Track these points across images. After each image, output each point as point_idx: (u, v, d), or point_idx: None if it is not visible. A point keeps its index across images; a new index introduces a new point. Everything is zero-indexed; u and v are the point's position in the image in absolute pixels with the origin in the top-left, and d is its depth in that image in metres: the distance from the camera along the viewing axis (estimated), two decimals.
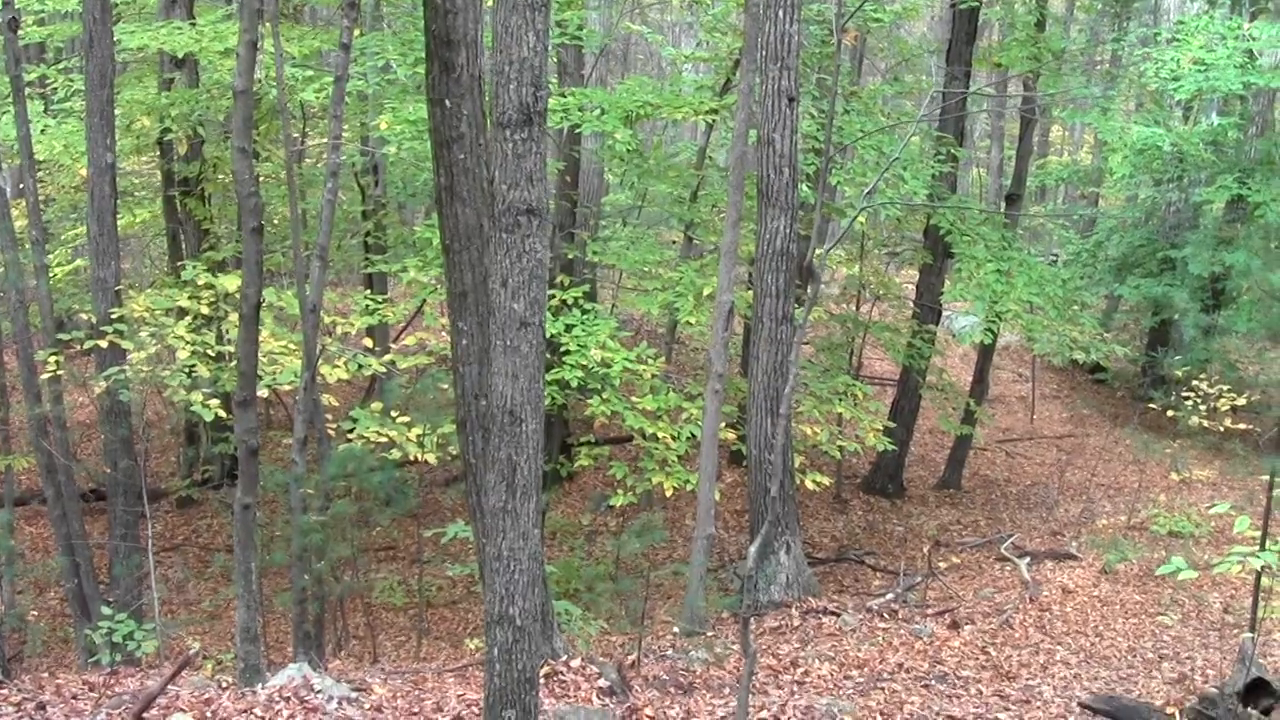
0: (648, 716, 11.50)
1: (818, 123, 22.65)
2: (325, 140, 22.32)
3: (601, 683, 12.22)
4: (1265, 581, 14.22)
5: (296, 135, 24.94)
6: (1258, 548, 11.66)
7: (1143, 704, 9.14)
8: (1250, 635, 10.56)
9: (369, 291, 23.07)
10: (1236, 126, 31.30)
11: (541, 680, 12.13)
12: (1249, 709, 8.00)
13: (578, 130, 22.21)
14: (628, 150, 22.31)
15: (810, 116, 23.03)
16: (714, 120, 23.92)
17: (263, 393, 17.58)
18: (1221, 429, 22.16)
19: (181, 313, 18.80)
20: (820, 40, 24.29)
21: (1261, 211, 28.29)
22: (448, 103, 11.32)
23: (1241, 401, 22.68)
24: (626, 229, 28.29)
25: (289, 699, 10.55)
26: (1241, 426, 22.98)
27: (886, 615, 18.03)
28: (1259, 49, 27.69)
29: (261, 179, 22.53)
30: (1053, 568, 20.81)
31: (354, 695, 11.03)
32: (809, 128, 22.96)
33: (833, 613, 17.93)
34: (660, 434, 19.25)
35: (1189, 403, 23.17)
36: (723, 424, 18.07)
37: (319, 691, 10.80)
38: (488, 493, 7.61)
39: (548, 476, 22.25)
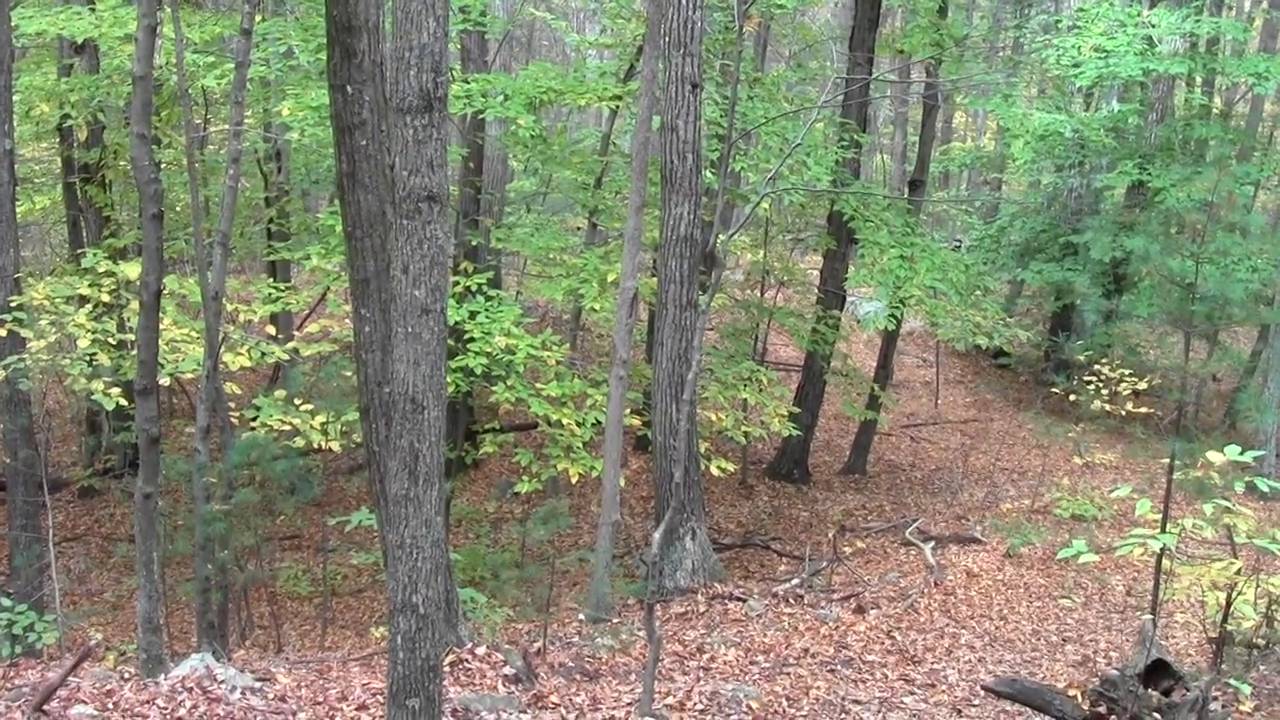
0: (553, 703, 11.48)
1: (721, 109, 22.67)
2: (228, 127, 22.16)
3: (507, 670, 12.19)
4: (1165, 563, 14.39)
5: (199, 122, 24.71)
6: (1158, 530, 11.80)
7: (1045, 686, 9.21)
8: (1150, 617, 10.65)
9: (272, 279, 22.90)
10: (1137, 113, 31.65)
11: (447, 668, 12.12)
12: (1149, 690, 8.06)
13: (481, 116, 22.11)
14: (531, 136, 22.23)
15: (714, 103, 23.06)
16: (618, 107, 23.89)
17: (165, 381, 17.41)
18: (1123, 413, 22.36)
19: (82, 301, 18.56)
20: (724, 27, 24.30)
21: (1162, 197, 28.59)
22: (349, 89, 11.23)
23: (1142, 386, 22.87)
24: (531, 215, 28.22)
25: (191, 689, 10.45)
26: (1143, 410, 23.19)
27: (792, 600, 18.06)
28: (1158, 35, 28.02)
29: (163, 166, 22.38)
30: (957, 552, 20.93)
31: (258, 685, 10.95)
32: (713, 114, 22.98)
33: (739, 598, 17.94)
34: (565, 420, 19.22)
35: (1090, 387, 23.36)
36: (628, 410, 18.04)
37: (222, 681, 10.71)
38: (390, 480, 7.55)
39: (452, 464, 22.20)
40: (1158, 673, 8.23)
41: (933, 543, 21.42)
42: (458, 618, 12.83)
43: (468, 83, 21.14)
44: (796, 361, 30.79)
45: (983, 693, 12.24)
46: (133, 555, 17.03)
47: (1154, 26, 27.56)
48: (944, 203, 41.67)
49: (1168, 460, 13.16)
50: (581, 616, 16.79)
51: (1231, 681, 11.64)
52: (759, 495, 26.33)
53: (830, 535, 22.72)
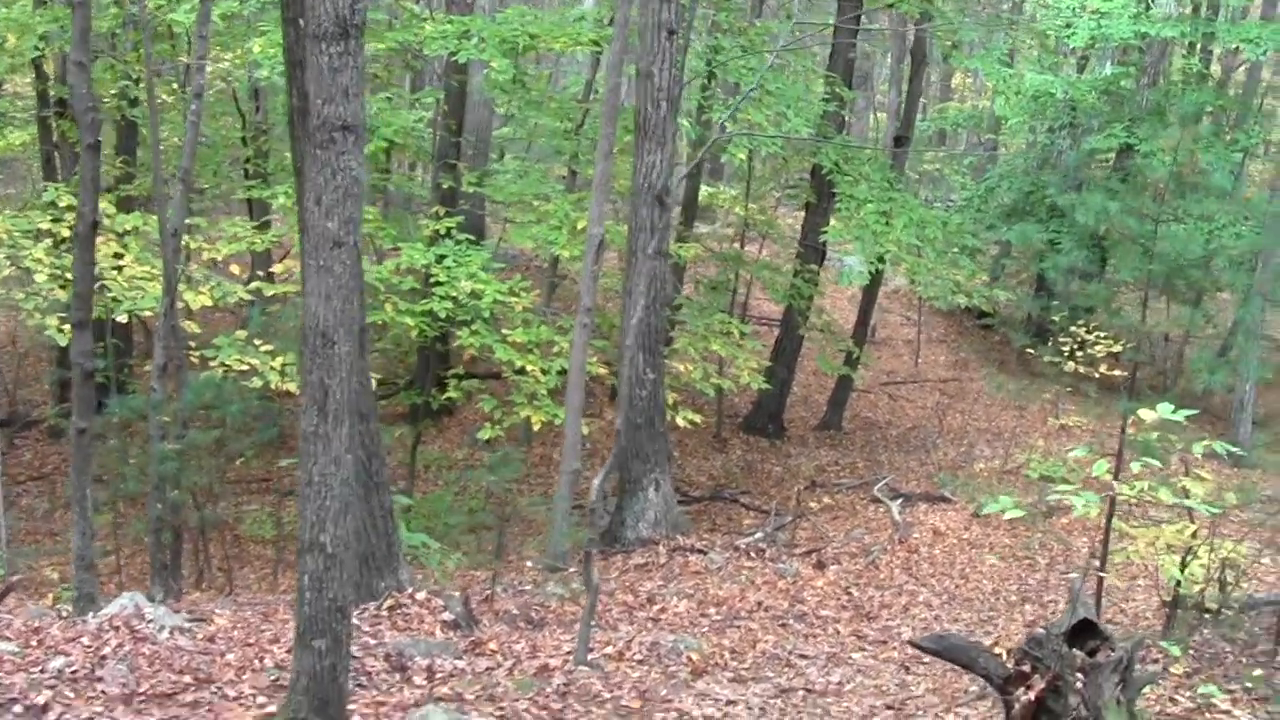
0: (490, 650, 11.38)
1: (703, 58, 22.49)
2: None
3: (446, 616, 12.09)
4: (1121, 525, 14.31)
5: (172, 61, 24.44)
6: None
7: (972, 644, 9.06)
8: (1077, 576, 10.56)
9: (241, 219, 22.70)
10: (1129, 76, 31.44)
11: (385, 613, 12.05)
12: (1074, 650, 7.94)
13: (455, 58, 21.85)
14: (510, 81, 22.05)
15: (696, 53, 22.86)
16: (601, 53, 23.68)
17: (122, 317, 17.30)
18: (1096, 375, 22.23)
19: (46, 236, 18.40)
20: None
21: (1149, 161, 28.40)
22: (300, 22, 11.04)
23: (1117, 348, 22.72)
24: (514, 162, 27.98)
25: (119, 628, 10.33)
26: (1118, 373, 23.07)
27: (754, 554, 17.99)
28: None
29: (139, 102, 22.10)
30: (926, 510, 20.89)
31: (188, 625, 10.84)
32: (697, 65, 22.80)
33: (700, 551, 17.88)
34: (529, 367, 19.09)
35: (1065, 349, 23.22)
36: (595, 358, 17.93)
37: (150, 621, 10.59)
38: (300, 416, 7.41)
39: (418, 409, 22.09)
40: (1085, 633, 8.10)
41: (901, 500, 21.35)
42: (399, 562, 12.73)
43: (446, 24, 20.95)
44: (779, 316, 30.64)
45: (911, 649, 12.15)
46: (101, 496, 17.06)
47: None
48: (929, 161, 41.45)
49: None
50: (529, 564, 16.73)
51: (1163, 643, 11.57)
52: (732, 449, 26.24)
53: (797, 490, 22.59)
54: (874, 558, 17.88)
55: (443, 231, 20.00)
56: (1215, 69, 39.00)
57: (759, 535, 19.17)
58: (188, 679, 9.46)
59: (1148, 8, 28.27)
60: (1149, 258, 14.71)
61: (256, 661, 10.07)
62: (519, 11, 22.12)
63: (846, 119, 28.24)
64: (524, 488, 21.07)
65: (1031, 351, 26.30)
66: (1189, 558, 12.77)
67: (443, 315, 18.74)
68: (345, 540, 7.49)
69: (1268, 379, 26.66)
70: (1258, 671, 11.10)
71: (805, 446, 26.74)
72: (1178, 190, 21.91)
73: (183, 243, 17.58)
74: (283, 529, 19.36)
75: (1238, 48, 31.17)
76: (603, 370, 20.24)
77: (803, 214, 27.61)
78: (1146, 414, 10.23)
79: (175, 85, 24.45)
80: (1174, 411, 10.03)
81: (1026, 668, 8.03)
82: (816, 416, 28.46)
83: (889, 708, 10.72)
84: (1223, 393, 28.49)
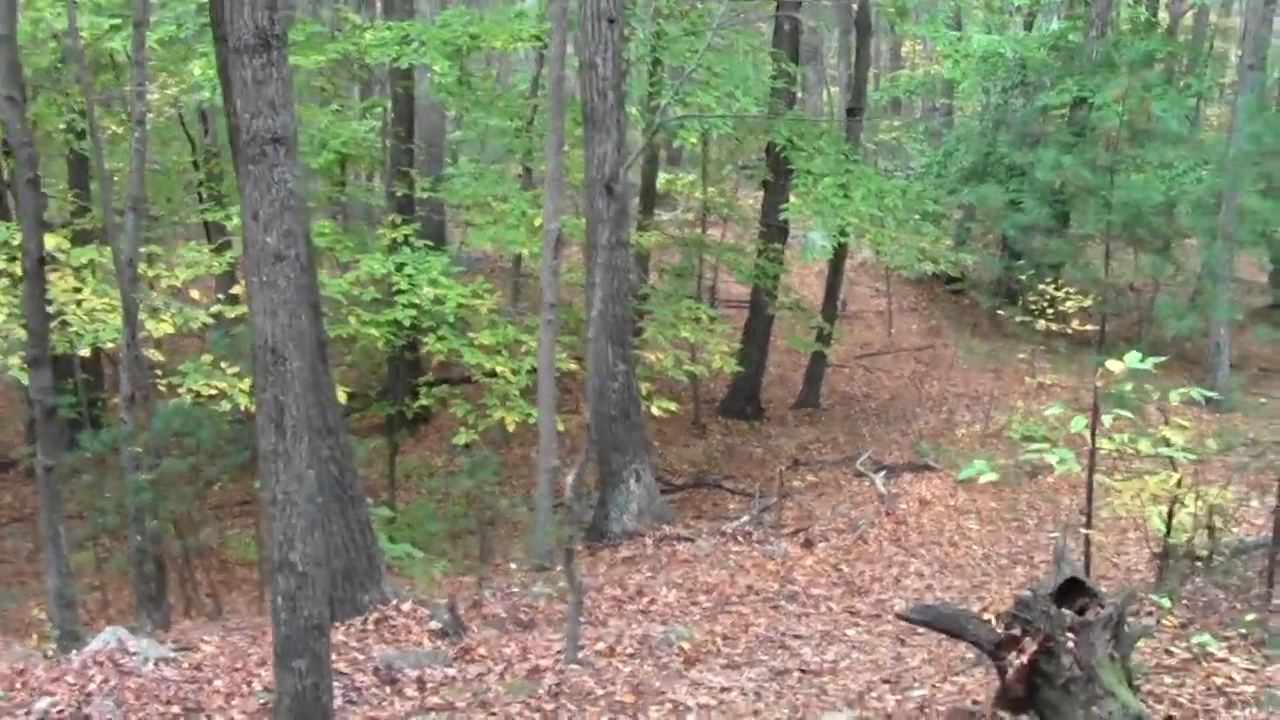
0: (480, 655, 11.28)
1: (647, 44, 22.39)
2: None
3: (434, 624, 12.01)
4: (1106, 479, 14.24)
5: (117, 90, 24.26)
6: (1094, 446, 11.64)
7: (960, 611, 8.98)
8: (1060, 535, 10.51)
9: (195, 243, 22.57)
10: (1077, 30, 31.41)
11: (371, 626, 11.95)
12: (1063, 609, 7.85)
13: (398, 64, 21.70)
14: (456, 83, 21.95)
15: (640, 40, 22.76)
16: (545, 47, 23.56)
17: (85, 351, 17.18)
18: (1069, 331, 22.17)
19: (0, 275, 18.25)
20: None
21: (1101, 112, 28.41)
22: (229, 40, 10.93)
23: (1088, 303, 22.68)
24: (469, 164, 27.83)
25: (103, 664, 10.23)
26: (1090, 328, 23.03)
27: (740, 538, 17.91)
28: None
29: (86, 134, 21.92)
30: (911, 480, 20.80)
31: (173, 656, 10.72)
32: (642, 52, 22.70)
33: (686, 539, 17.80)
34: (499, 369, 19.00)
35: (1035, 308, 23.16)
36: (563, 354, 17.84)
37: (134, 654, 10.47)
38: (258, 436, 7.29)
39: (394, 419, 21.99)
40: (1072, 591, 8.02)
41: (885, 472, 21.25)
42: (381, 574, 12.64)
43: (386, 30, 20.84)
44: (748, 298, 30.55)
45: (898, 620, 12.08)
46: (81, 532, 16.97)
47: None
48: (886, 130, 41.45)
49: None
50: (513, 565, 16.65)
51: (1153, 596, 11.50)
52: (712, 434, 26.15)
53: (780, 470, 22.50)
54: (861, 532, 17.81)
55: (400, 239, 19.89)
56: (1164, 16, 38.95)
57: (745, 519, 19.08)
58: (176, 709, 9.40)
59: None
60: (1107, 208, 14.68)
61: (245, 686, 10.00)
62: (458, 12, 22.07)
63: (798, 95, 28.12)
64: (505, 489, 20.96)
65: (1001, 313, 26.29)
66: (1175, 507, 12.72)
67: (408, 323, 18.65)
68: (317, 557, 7.37)
69: (1238, 319, 26.60)
70: (1251, 616, 11.03)
71: (785, 426, 26.65)
72: (1132, 139, 21.91)
73: (141, 271, 17.45)
74: (266, 550, 19.18)
75: None
76: (574, 365, 20.14)
77: (762, 194, 27.51)
78: (1115, 365, 10.15)
79: (124, 115, 24.29)
80: (1142, 360, 9.95)
81: (1017, 631, 7.95)
82: (794, 395, 28.36)
83: (885, 681, 10.65)
84: (1198, 339, 28.54)
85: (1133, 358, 9.98)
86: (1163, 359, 10.22)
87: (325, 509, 11.94)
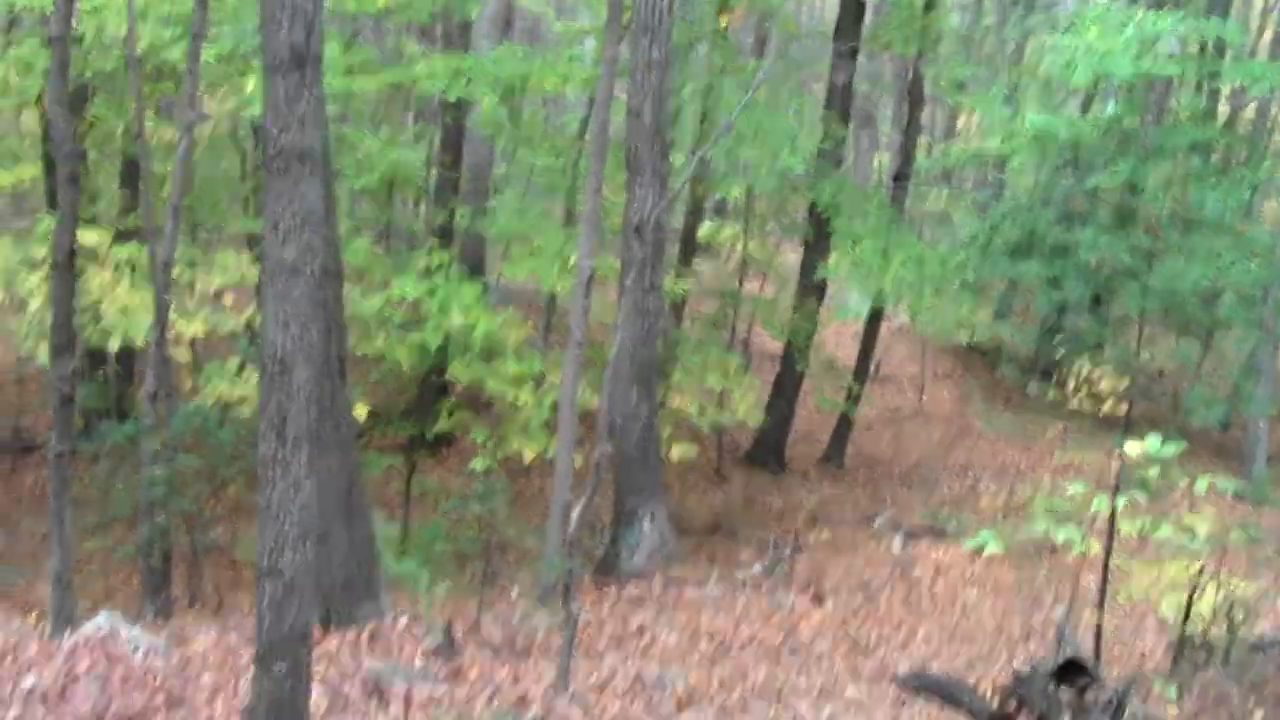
0: (472, 677, 11.40)
1: (697, 97, 22.56)
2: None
3: (428, 643, 12.11)
4: (1122, 562, 14.28)
5: (174, 98, 24.54)
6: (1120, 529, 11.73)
7: (957, 681, 9.10)
8: (1063, 612, 10.56)
9: (234, 251, 22.79)
10: (1132, 114, 31.41)
11: (365, 639, 12.05)
12: (1061, 688, 7.91)
13: (446, 96, 21.85)
14: (505, 118, 22.18)
15: (690, 93, 22.94)
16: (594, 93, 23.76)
17: (114, 346, 17.44)
18: (1101, 412, 22.16)
19: (40, 264, 18.53)
20: (709, 15, 24.21)
21: (1152, 198, 28.47)
22: None
23: (1124, 385, 22.67)
24: (514, 197, 28.03)
25: (93, 648, 10.35)
26: (1120, 411, 23.01)
27: (750, 587, 17.95)
28: (1153, 35, 27.80)
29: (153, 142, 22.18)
30: (928, 546, 20.77)
31: (164, 646, 10.85)
32: (693, 105, 22.85)
33: (695, 583, 17.84)
34: (521, 399, 19.14)
35: (1070, 385, 23.14)
36: (588, 390, 17.97)
37: (125, 641, 10.61)
38: (258, 442, 7.44)
39: (417, 439, 22.09)
40: (1072, 671, 8.08)
41: (903, 535, 21.25)
42: (379, 589, 12.77)
43: (438, 63, 21.05)
44: (781, 353, 30.61)
45: (898, 685, 12.11)
46: (93, 519, 17.20)
47: (1151, 27, 27.33)
48: (935, 200, 41.49)
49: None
50: (516, 593, 16.74)
51: (1157, 684, 11.49)
52: (733, 483, 26.14)
53: (798, 523, 22.53)
54: (873, 592, 17.83)
55: (435, 265, 20.06)
56: (1224, 110, 38.94)
57: (756, 569, 19.11)
58: (159, 699, 9.51)
59: (1149, 47, 28.21)
60: (1144, 293, 14.74)
61: (231, 684, 10.10)
62: (511, 50, 22.21)
63: (849, 158, 28.27)
64: (524, 518, 21.01)
65: (1034, 386, 26.28)
66: (1195, 596, 12.69)
67: (434, 347, 18.80)
68: (305, 566, 7.50)
69: (1271, 414, 26.54)
70: (1260, 714, 11.04)
71: (807, 481, 26.66)
72: (1175, 225, 21.91)
73: (177, 274, 17.69)
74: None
75: (1244, 86, 31.21)
76: (594, 404, 20.28)
77: (803, 251, 27.62)
78: (1133, 447, 10.23)
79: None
80: (1163, 445, 10.02)
81: (1012, 707, 8.01)
82: (819, 452, 28.35)
83: None
84: (1235, 431, 28.50)
85: (1153, 442, 10.05)
86: (1182, 445, 10.27)
87: (330, 520, 12.15)
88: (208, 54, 19.44)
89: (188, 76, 15.31)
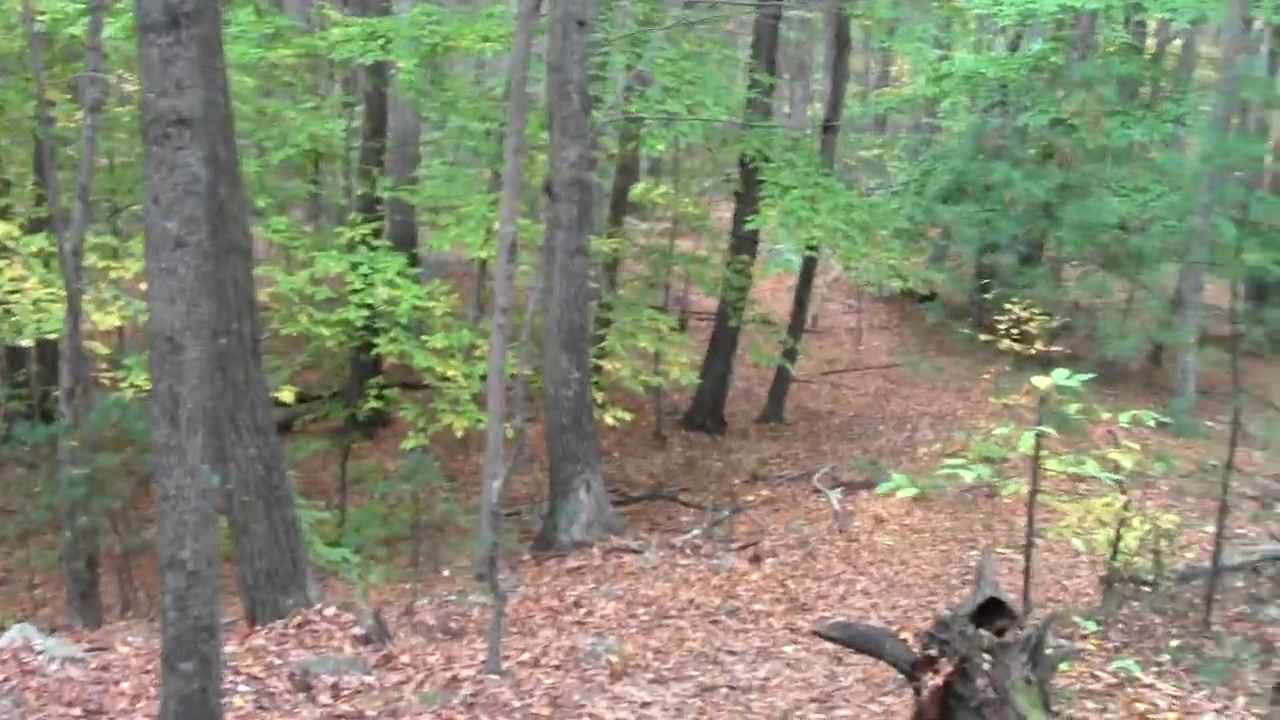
0: (403, 663, 11.10)
1: (618, 50, 22.18)
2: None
3: (357, 631, 11.78)
4: (1050, 500, 14.13)
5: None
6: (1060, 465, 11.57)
7: (879, 630, 8.84)
8: (983, 553, 10.38)
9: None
10: (1058, 52, 31.31)
11: (293, 631, 11.71)
12: (980, 630, 7.67)
13: (363, 61, 21.44)
14: (429, 82, 21.79)
15: (610, 43, 22.55)
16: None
17: (27, 341, 16.95)
18: (1032, 351, 22.02)
19: None
20: None
21: (1070, 133, 28.41)
22: None
23: (1056, 323, 22.53)
24: (440, 166, 27.60)
25: (5, 662, 10.03)
26: (1056, 349, 22.88)
27: (689, 551, 17.74)
28: None
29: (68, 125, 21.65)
30: (867, 498, 20.58)
31: (82, 656, 10.52)
32: (617, 59, 22.48)
33: (635, 551, 17.62)
34: (451, 373, 18.77)
35: (1000, 327, 22.98)
36: (512, 360, 17.64)
37: (40, 652, 10.28)
38: (152, 428, 7.06)
39: (350, 421, 21.72)
40: (991, 611, 7.83)
41: (841, 489, 21.05)
42: (306, 578, 12.39)
43: (353, 27, 20.66)
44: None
45: (813, 638, 11.94)
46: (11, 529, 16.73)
47: None
48: (867, 147, 41.40)
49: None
50: (447, 573, 16.45)
51: (1076, 618, 11.39)
52: (672, 446, 25.90)
53: (735, 484, 22.31)
54: (812, 548, 17.62)
55: (359, 239, 19.66)
56: (1151, 43, 38.90)
57: (696, 532, 18.89)
58: (77, 711, 9.23)
59: None
60: (1060, 226, 14.58)
61: (152, 689, 9.75)
62: (427, 10, 21.77)
63: (786, 110, 28.05)
64: (460, 496, 20.68)
65: (966, 331, 26.07)
66: (1122, 530, 12.65)
67: (359, 324, 18.42)
68: (209, 555, 7.14)
69: (1189, 344, 26.39)
70: (1175, 642, 10.95)
71: (747, 440, 26.42)
72: (1097, 159, 21.75)
73: (91, 262, 17.22)
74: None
75: (1168, 20, 31.17)
76: (528, 371, 19.92)
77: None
78: (1041, 381, 10.05)
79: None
80: (1069, 377, 9.85)
81: (934, 652, 7.77)
82: (758, 409, 28.11)
83: (814, 700, 10.51)
84: (1155, 365, 28.48)
85: (1060, 375, 9.88)
86: (1090, 377, 10.09)
87: (250, 509, 11.79)
88: (113, 28, 18.99)
89: (89, 52, 14.89)
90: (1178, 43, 39.50)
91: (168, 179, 6.75)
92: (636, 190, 30.31)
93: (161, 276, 6.82)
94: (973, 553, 17.41)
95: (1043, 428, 10.57)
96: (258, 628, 11.76)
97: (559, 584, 16.13)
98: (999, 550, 17.33)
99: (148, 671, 10.27)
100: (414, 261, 22.10)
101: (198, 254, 6.87)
